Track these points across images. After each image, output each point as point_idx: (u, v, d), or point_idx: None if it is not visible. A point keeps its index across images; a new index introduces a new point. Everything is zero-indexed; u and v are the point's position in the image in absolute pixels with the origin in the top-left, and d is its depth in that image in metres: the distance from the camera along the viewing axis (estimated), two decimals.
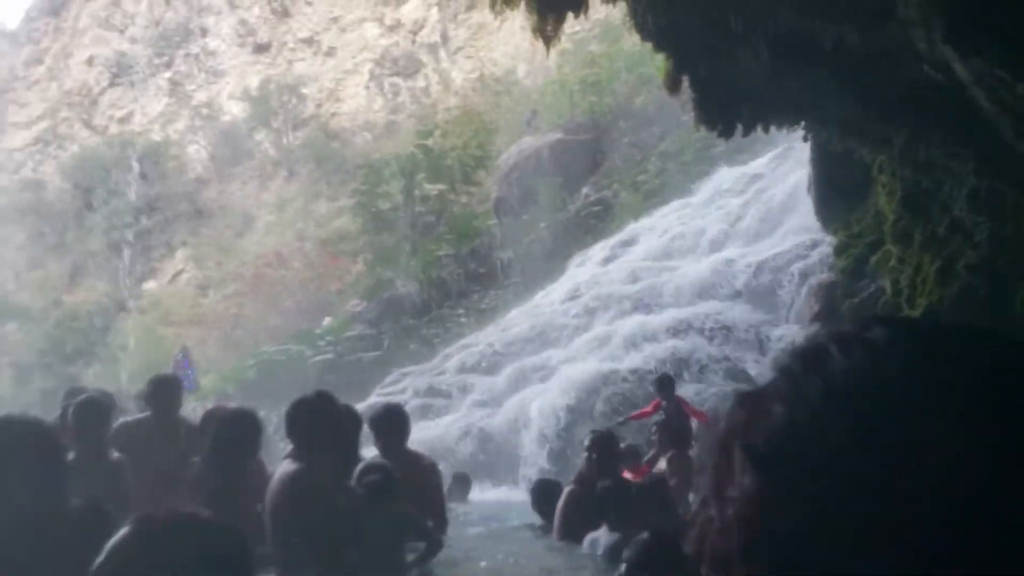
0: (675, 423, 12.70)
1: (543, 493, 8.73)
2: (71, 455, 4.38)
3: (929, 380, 0.76)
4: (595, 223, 28.94)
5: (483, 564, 7.04)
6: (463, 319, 27.95)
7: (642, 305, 19.48)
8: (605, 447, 7.65)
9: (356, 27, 57.56)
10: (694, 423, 13.12)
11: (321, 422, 5.19)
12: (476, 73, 50.44)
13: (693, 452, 12.59)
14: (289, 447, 5.49)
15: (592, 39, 37.65)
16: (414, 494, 6.06)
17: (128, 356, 41.62)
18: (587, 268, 24.18)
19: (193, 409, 14.36)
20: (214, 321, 42.71)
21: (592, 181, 32.04)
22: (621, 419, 13.98)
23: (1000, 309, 9.67)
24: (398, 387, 21.38)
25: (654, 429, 12.85)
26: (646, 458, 12.46)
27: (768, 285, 17.76)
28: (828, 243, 16.54)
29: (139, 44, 63.64)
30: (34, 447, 3.30)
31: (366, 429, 6.96)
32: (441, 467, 8.60)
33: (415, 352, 26.23)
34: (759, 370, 15.96)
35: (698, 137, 23.71)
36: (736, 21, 8.10)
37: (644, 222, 25.21)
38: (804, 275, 16.90)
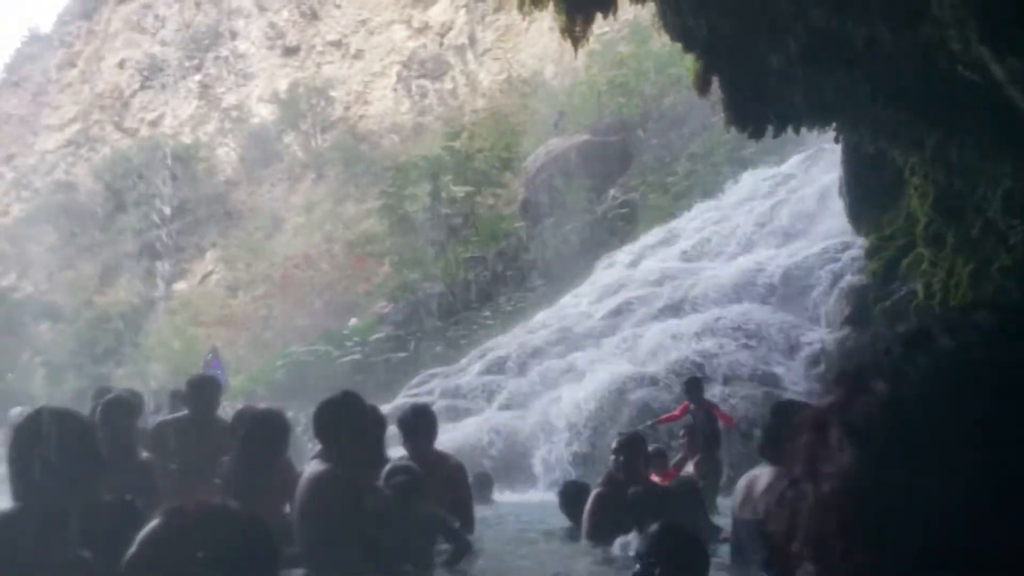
0: (703, 426, 12.65)
1: (572, 495, 8.70)
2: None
3: None
4: (623, 225, 28.85)
5: (511, 566, 7.01)
6: (489, 321, 27.92)
7: (670, 308, 19.38)
8: (634, 450, 7.59)
9: (384, 29, 57.68)
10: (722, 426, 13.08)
11: (349, 422, 5.17)
12: (503, 75, 50.42)
13: (720, 454, 12.57)
14: (317, 447, 5.48)
15: (620, 40, 37.53)
16: (441, 495, 6.05)
17: (158, 357, 41.83)
18: (614, 270, 24.10)
19: (223, 409, 14.38)
20: (243, 322, 42.89)
21: (620, 183, 31.95)
22: (650, 422, 13.93)
23: None
24: (424, 388, 21.36)
25: (682, 432, 12.79)
26: (674, 461, 12.41)
27: (799, 288, 17.65)
28: (859, 245, 16.43)
29: (170, 47, 64.01)
30: (70, 438, 3.29)
31: (391, 430, 6.95)
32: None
33: (441, 354, 26.22)
34: (788, 374, 15.88)
35: (727, 138, 23.59)
36: (767, 21, 8.04)
37: (672, 224, 25.09)
38: (835, 278, 16.77)
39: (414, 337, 29.65)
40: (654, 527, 4.39)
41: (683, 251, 22.73)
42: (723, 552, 6.05)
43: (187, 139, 58.64)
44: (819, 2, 7.48)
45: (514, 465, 16.96)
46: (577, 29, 9.78)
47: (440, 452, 7.17)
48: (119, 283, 53.70)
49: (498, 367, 20.99)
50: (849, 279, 16.31)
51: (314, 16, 60.66)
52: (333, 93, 56.43)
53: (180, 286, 52.31)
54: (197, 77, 63.47)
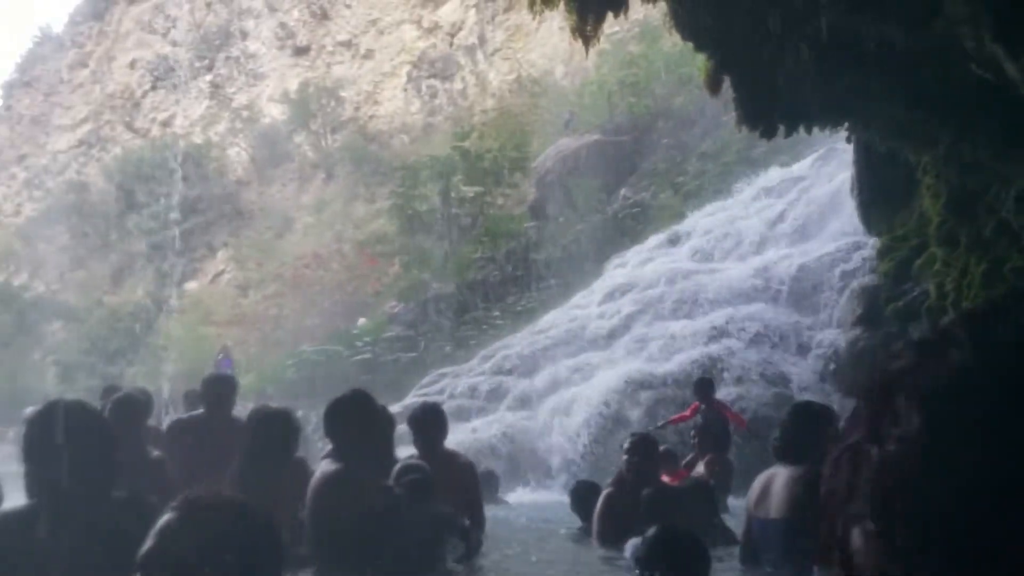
0: (714, 426, 12.64)
1: (583, 495, 8.69)
2: None
3: None
4: (633, 225, 28.81)
5: (522, 565, 7.00)
6: (499, 321, 27.89)
7: (681, 308, 19.34)
8: (645, 450, 7.57)
9: (394, 29, 57.71)
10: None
11: (359, 421, 5.17)
12: (513, 75, 50.39)
13: (732, 455, 12.54)
14: (328, 447, 5.47)
15: (631, 39, 37.49)
16: (451, 494, 6.03)
17: (170, 356, 41.90)
18: (625, 270, 24.06)
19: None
20: (254, 321, 42.96)
21: (630, 183, 31.90)
22: (660, 423, 13.91)
23: None
24: (434, 388, 21.36)
25: (693, 432, 12.78)
26: (684, 462, 12.39)
27: (810, 288, 17.60)
28: (871, 246, 16.37)
29: (181, 47, 64.14)
30: (85, 430, 3.27)
31: (401, 429, 6.95)
32: None
33: (451, 354, 26.22)
34: (799, 374, 15.85)
35: (739, 138, 23.54)
36: (779, 20, 8.01)
37: (684, 224, 25.05)
38: (846, 278, 16.72)
39: (424, 337, 29.65)
40: (652, 531, 4.38)
41: (694, 251, 22.68)
42: (730, 553, 6.04)
43: (198, 139, 58.74)
44: (832, 1, 7.46)
45: (524, 465, 16.97)
46: (588, 28, 9.74)
47: (450, 451, 7.16)
48: (130, 283, 53.85)
49: (508, 367, 20.98)
50: (861, 279, 16.26)
51: (324, 16, 60.72)
52: (343, 93, 56.47)
53: (191, 285, 52.38)
54: (208, 77, 63.59)
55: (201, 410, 7.83)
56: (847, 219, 17.89)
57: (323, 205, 50.66)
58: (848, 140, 14.17)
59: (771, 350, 16.60)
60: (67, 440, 3.16)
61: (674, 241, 24.21)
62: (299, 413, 8.10)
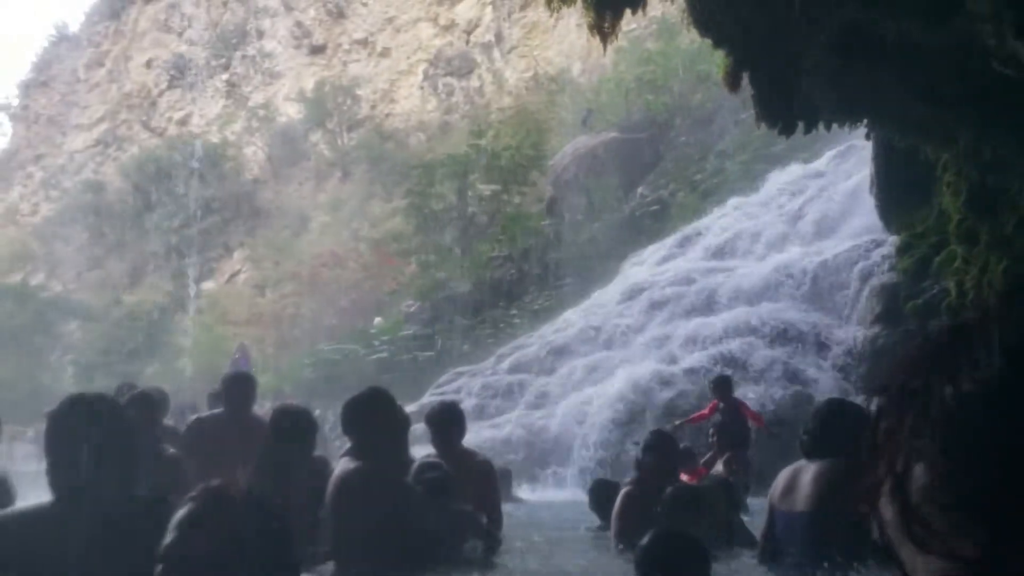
0: (732, 424, 12.61)
1: (601, 494, 8.67)
2: None
3: None
4: (651, 223, 28.74)
5: (540, 564, 6.97)
6: (517, 320, 27.89)
7: (699, 306, 19.30)
8: (663, 448, 7.53)
9: (410, 27, 57.74)
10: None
11: (378, 418, 5.16)
12: (530, 72, 50.38)
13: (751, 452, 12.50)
14: (346, 445, 5.46)
15: (648, 36, 37.45)
16: (469, 492, 6.02)
17: (187, 355, 42.04)
18: (643, 268, 24.01)
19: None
20: (271, 320, 43.08)
21: (648, 180, 31.84)
22: (678, 422, 13.86)
23: None
24: (451, 387, 21.35)
25: (711, 431, 12.74)
26: (703, 460, 12.35)
27: (829, 286, 17.53)
28: (891, 243, 16.30)
29: (197, 46, 64.32)
30: (108, 424, 3.25)
31: (418, 428, 6.94)
32: None
33: (468, 352, 26.22)
34: (819, 373, 15.79)
35: (757, 135, 23.48)
36: (798, 16, 7.97)
37: (702, 222, 24.98)
38: (866, 276, 16.64)
39: (441, 336, 29.67)
40: (650, 534, 4.35)
41: (712, 249, 22.61)
42: (747, 554, 6.00)
43: (214, 138, 58.87)
44: None
45: (542, 464, 16.95)
46: (606, 25, 9.72)
47: (467, 450, 7.15)
48: (147, 282, 54.02)
49: (525, 366, 20.97)
50: (880, 277, 16.18)
51: (340, 14, 60.79)
52: (359, 91, 56.53)
53: (208, 285, 52.52)
54: (224, 76, 63.75)
55: (221, 409, 7.83)
56: (867, 216, 17.81)
57: (339, 204, 50.73)
58: (867, 137, 14.10)
59: (790, 348, 16.55)
60: (91, 434, 3.14)
61: (692, 239, 24.14)
62: (316, 412, 8.10)
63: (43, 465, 3.24)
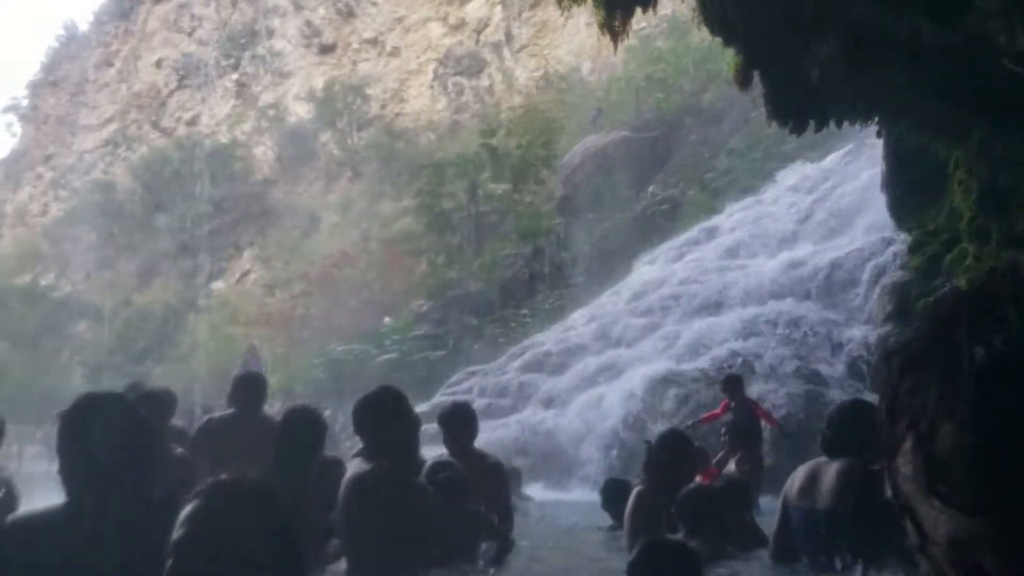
0: (744, 424, 12.56)
1: (614, 493, 8.64)
2: None
3: None
4: (662, 221, 28.71)
5: (552, 564, 6.97)
6: (528, 319, 27.88)
7: (711, 305, 19.27)
8: (678, 447, 7.50)
9: (420, 27, 57.80)
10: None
11: (389, 417, 5.14)
12: (540, 71, 50.42)
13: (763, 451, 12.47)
14: (357, 446, 5.44)
15: (659, 35, 37.47)
16: (481, 493, 6.01)
17: (197, 356, 42.10)
18: (654, 267, 23.99)
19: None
20: (281, 321, 43.11)
21: (659, 179, 31.83)
22: (691, 422, 13.82)
23: None
24: (463, 387, 21.34)
25: (723, 430, 12.71)
26: (715, 459, 12.32)
27: (840, 284, 17.50)
28: (902, 241, 16.26)
29: (206, 46, 64.45)
30: (120, 422, 3.24)
31: (429, 428, 6.92)
32: None
33: (480, 352, 26.20)
34: (831, 371, 15.74)
35: (768, 134, 23.43)
36: (809, 15, 7.95)
37: (713, 220, 24.95)
38: (877, 274, 16.60)
39: (452, 335, 29.66)
40: (642, 544, 4.34)
41: (723, 247, 22.58)
42: (758, 555, 5.98)
43: (224, 138, 59.02)
44: None
45: (554, 463, 16.93)
46: (616, 24, 9.70)
47: (479, 450, 7.13)
48: (157, 282, 54.15)
49: (537, 365, 20.95)
50: (892, 275, 16.13)
51: (350, 14, 60.86)
52: (369, 91, 56.61)
53: (218, 285, 52.64)
54: (234, 76, 63.87)
55: (232, 410, 7.83)
56: (878, 214, 17.76)
57: (349, 203, 50.79)
58: (879, 135, 14.06)
59: (802, 347, 16.50)
60: (104, 435, 3.13)
61: (704, 238, 24.11)
62: (327, 412, 8.10)
63: (53, 466, 3.23)
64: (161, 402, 6.81)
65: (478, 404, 16.09)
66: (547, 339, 22.36)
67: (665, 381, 16.64)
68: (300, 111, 59.03)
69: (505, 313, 29.69)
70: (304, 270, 45.89)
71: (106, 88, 68.30)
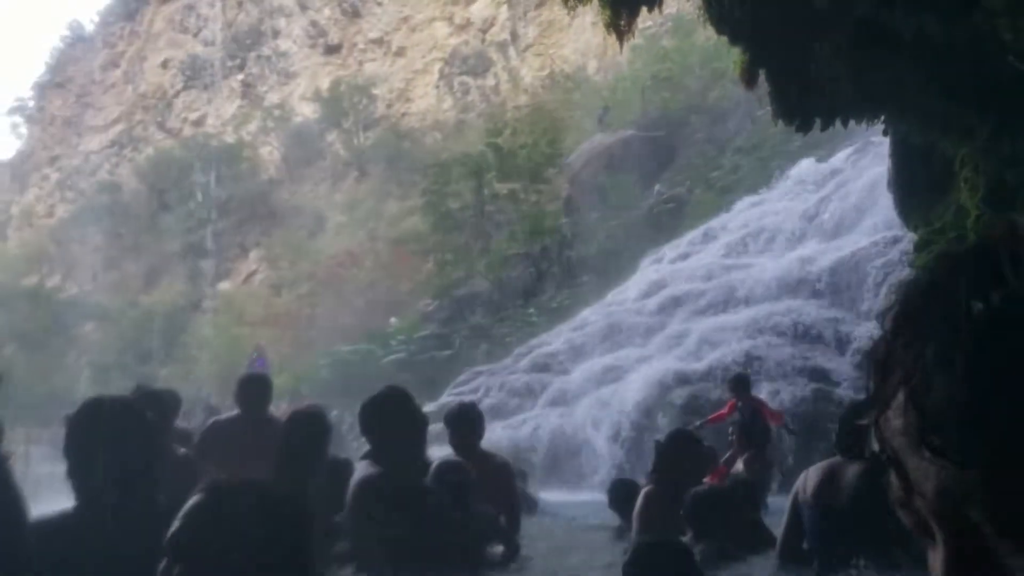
0: (752, 423, 12.53)
1: (621, 493, 8.63)
2: None
3: None
4: (668, 220, 28.68)
5: (560, 565, 6.95)
6: (534, 318, 27.86)
7: (717, 304, 19.25)
8: (686, 447, 7.49)
9: (426, 26, 57.83)
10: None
11: (396, 418, 5.13)
12: (546, 70, 50.43)
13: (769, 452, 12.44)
14: (365, 447, 5.44)
15: (664, 34, 37.44)
16: (488, 493, 5.99)
17: (203, 356, 42.14)
18: (661, 266, 23.98)
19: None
20: (287, 321, 43.12)
21: (665, 178, 31.81)
22: (698, 423, 13.79)
23: None
24: (470, 387, 21.32)
25: (731, 430, 12.69)
26: (723, 459, 12.30)
27: (848, 283, 17.46)
28: (909, 239, 16.22)
29: (212, 47, 64.53)
30: (129, 426, 3.24)
31: (435, 428, 6.91)
32: None
33: (487, 351, 26.19)
34: (838, 370, 15.71)
35: (773, 132, 23.40)
36: (814, 12, 7.93)
37: (719, 219, 24.92)
38: (885, 272, 16.57)
39: (459, 335, 29.64)
40: (636, 542, 4.33)
41: (730, 246, 22.56)
42: (766, 555, 5.97)
43: (230, 138, 59.07)
44: None
45: (561, 463, 16.92)
46: (622, 23, 9.69)
47: (486, 451, 7.12)
48: (164, 283, 54.22)
49: (544, 365, 20.94)
50: (899, 274, 16.09)
51: (356, 14, 60.89)
52: (375, 91, 56.64)
53: (224, 286, 52.69)
54: (239, 76, 63.93)
55: (237, 411, 7.83)
56: (885, 213, 17.73)
57: (356, 203, 50.82)
58: (885, 133, 14.03)
59: (809, 345, 16.48)
60: (111, 439, 3.13)
61: (710, 237, 24.09)
62: (333, 413, 8.10)
63: (59, 467, 3.23)
64: (164, 403, 6.80)
65: (485, 404, 16.09)
66: (554, 338, 22.35)
67: (672, 380, 16.63)
68: (306, 111, 59.08)
69: (512, 313, 29.68)
70: (310, 270, 45.93)
71: (112, 89, 68.40)
